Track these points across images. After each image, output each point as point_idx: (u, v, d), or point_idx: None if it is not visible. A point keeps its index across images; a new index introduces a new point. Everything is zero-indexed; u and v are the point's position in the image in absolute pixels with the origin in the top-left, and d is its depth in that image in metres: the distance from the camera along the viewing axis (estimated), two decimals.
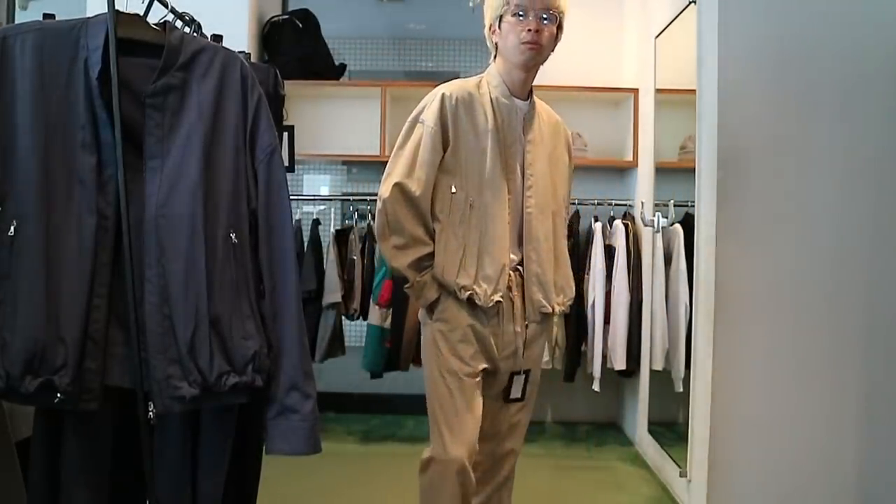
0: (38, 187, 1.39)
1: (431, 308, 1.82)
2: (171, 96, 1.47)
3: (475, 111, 1.81)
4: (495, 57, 1.88)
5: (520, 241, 1.84)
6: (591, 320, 3.43)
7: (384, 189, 1.79)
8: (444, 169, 1.80)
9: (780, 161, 2.36)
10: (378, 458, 3.28)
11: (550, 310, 1.87)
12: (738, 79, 2.36)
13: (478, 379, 1.81)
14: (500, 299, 1.78)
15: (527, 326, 1.85)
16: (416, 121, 1.82)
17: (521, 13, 1.76)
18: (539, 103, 1.94)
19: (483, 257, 1.77)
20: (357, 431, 3.67)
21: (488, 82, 1.86)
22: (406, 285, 1.82)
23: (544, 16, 1.79)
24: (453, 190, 1.79)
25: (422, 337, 1.90)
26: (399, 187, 1.77)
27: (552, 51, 1.87)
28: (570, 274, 1.97)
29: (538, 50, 1.79)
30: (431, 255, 1.79)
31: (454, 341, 1.80)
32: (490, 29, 1.86)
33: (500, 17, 1.81)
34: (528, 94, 1.89)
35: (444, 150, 1.79)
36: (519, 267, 1.84)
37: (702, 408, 2.44)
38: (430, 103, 1.81)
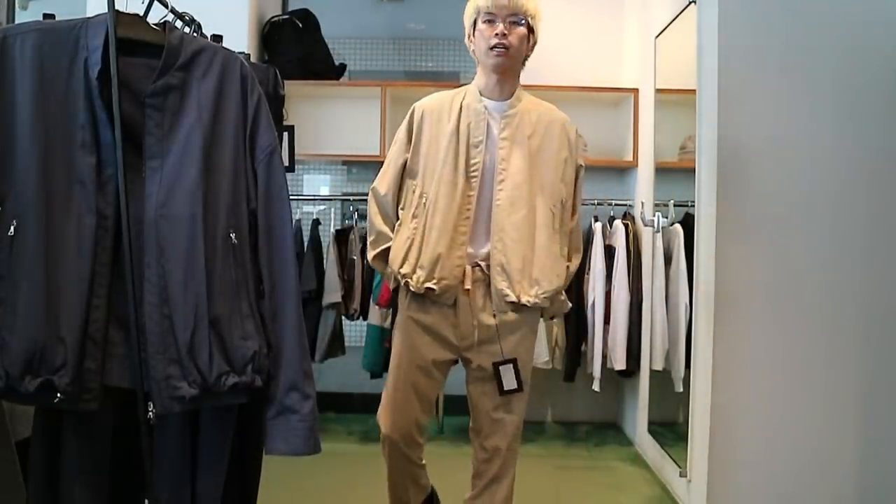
0: (37, 187, 1.39)
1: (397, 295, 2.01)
2: (171, 96, 1.47)
3: (441, 119, 1.96)
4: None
5: (488, 234, 1.90)
6: (591, 320, 3.43)
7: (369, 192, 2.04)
8: (409, 171, 1.99)
9: (780, 161, 2.36)
10: (378, 459, 3.26)
11: (516, 300, 1.89)
12: (738, 79, 2.36)
13: (424, 370, 1.95)
14: (433, 287, 1.87)
15: (494, 316, 1.91)
16: (396, 135, 2.04)
17: (490, 19, 1.88)
18: (533, 103, 2.02)
19: (424, 248, 1.89)
20: (357, 431, 3.67)
21: (468, 90, 2.00)
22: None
23: (512, 20, 1.88)
24: (414, 188, 1.95)
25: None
26: (372, 190, 2.03)
27: (526, 54, 1.97)
28: (554, 266, 1.95)
29: (507, 53, 1.88)
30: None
31: (405, 332, 1.96)
32: (467, 37, 1.98)
33: (474, 25, 1.93)
34: (509, 95, 1.97)
35: (408, 155, 1.98)
36: (484, 260, 1.91)
37: (702, 408, 2.44)
38: (408, 114, 2.02)
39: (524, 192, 1.90)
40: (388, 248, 1.98)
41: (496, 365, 1.92)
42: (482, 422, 2.00)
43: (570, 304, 2.22)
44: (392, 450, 2.03)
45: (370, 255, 2.03)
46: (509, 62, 1.91)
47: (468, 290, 1.90)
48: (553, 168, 1.96)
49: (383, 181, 2.01)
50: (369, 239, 2.04)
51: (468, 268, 1.91)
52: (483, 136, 1.92)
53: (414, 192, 1.95)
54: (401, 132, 2.01)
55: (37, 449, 1.48)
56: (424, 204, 1.91)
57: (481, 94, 1.97)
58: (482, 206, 1.91)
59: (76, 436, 1.46)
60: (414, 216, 1.92)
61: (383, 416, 2.03)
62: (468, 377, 2.02)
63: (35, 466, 1.48)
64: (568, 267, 2.04)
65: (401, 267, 1.91)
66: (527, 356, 1.99)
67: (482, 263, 1.92)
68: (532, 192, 1.91)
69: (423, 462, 2.15)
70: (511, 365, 1.93)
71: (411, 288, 1.90)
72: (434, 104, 1.99)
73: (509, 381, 1.93)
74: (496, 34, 1.86)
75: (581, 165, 2.06)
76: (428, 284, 1.88)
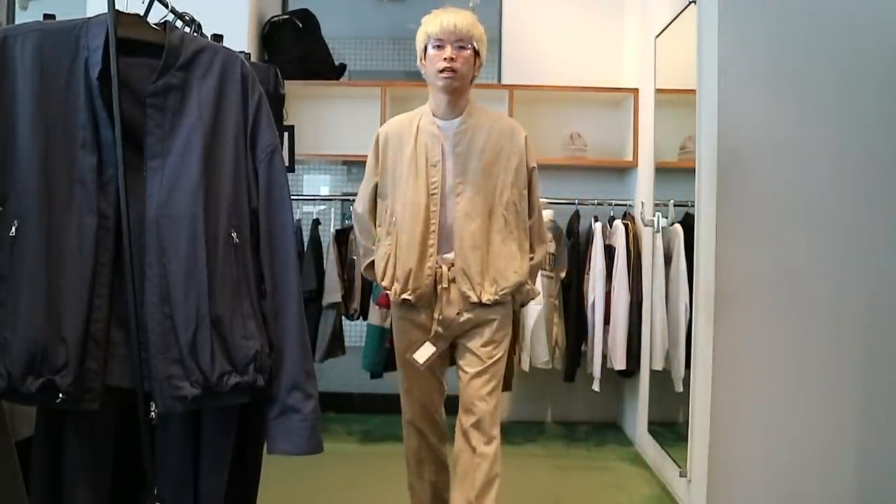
0: (38, 187, 1.39)
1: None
2: (172, 96, 1.47)
3: (403, 142, 2.13)
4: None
5: (452, 245, 2.11)
6: (591, 320, 3.43)
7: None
8: (380, 193, 2.18)
9: (780, 161, 2.37)
10: (378, 458, 3.28)
11: (476, 299, 2.08)
12: (738, 79, 2.36)
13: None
14: (409, 297, 2.09)
15: (459, 314, 2.11)
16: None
17: (439, 44, 2.05)
18: (484, 115, 2.17)
19: (398, 263, 2.10)
20: (357, 431, 3.67)
21: (423, 111, 2.17)
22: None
23: (459, 45, 2.05)
24: (386, 208, 2.15)
25: None
26: (353, 211, 2.26)
27: (474, 74, 2.13)
28: (510, 265, 2.12)
29: (455, 76, 2.04)
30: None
31: (405, 329, 2.17)
32: (419, 60, 2.14)
33: (425, 50, 2.09)
34: (460, 113, 2.13)
35: (377, 179, 2.17)
36: (452, 265, 2.11)
37: (702, 408, 2.44)
38: (374, 136, 2.19)
39: (478, 204, 2.09)
40: (373, 261, 2.19)
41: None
42: (466, 401, 2.16)
43: (538, 292, 2.40)
44: (414, 431, 2.24)
45: (361, 268, 2.27)
46: (457, 83, 2.06)
47: (446, 288, 2.10)
48: (504, 176, 2.12)
49: (360, 202, 2.21)
50: (359, 254, 2.27)
51: (444, 268, 2.10)
52: (439, 157, 2.10)
53: (386, 211, 2.14)
54: (370, 157, 2.19)
55: (38, 449, 1.48)
56: (395, 223, 2.11)
57: (434, 115, 2.13)
58: (446, 219, 2.10)
59: (78, 436, 1.46)
60: (388, 233, 2.13)
61: (403, 404, 2.25)
62: (457, 354, 2.21)
63: (37, 466, 1.48)
64: (532, 258, 2.19)
65: (382, 280, 2.14)
66: (505, 340, 2.18)
67: (451, 267, 2.11)
68: (486, 202, 2.10)
69: (445, 451, 2.31)
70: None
71: (392, 298, 2.13)
72: (395, 128, 2.16)
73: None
74: (444, 58, 2.03)
75: (533, 168, 2.20)
76: (404, 296, 2.10)
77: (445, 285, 2.09)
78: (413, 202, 2.08)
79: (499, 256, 2.10)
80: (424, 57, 2.09)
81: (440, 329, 2.11)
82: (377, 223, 2.19)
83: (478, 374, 2.10)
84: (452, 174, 2.09)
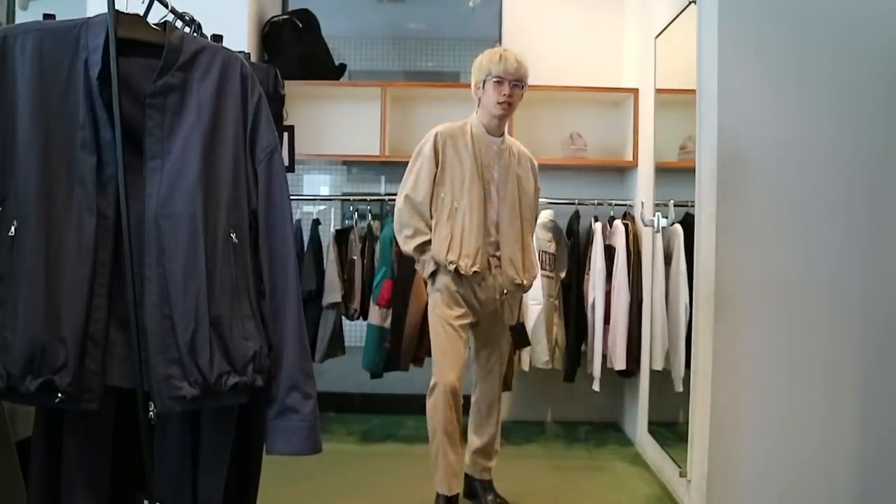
0: (38, 187, 1.39)
1: (432, 278, 2.54)
2: (172, 96, 1.47)
3: (458, 143, 2.54)
4: (479, 106, 2.58)
5: (498, 236, 2.56)
6: (591, 320, 3.43)
7: (399, 199, 2.56)
8: (437, 182, 2.53)
9: (780, 161, 2.37)
10: (378, 458, 3.28)
11: (521, 281, 2.58)
12: (738, 79, 2.36)
13: (462, 327, 2.53)
14: (479, 270, 2.49)
15: (504, 293, 2.57)
16: (419, 153, 2.56)
17: (499, 80, 2.50)
18: (511, 140, 2.67)
19: (463, 242, 2.48)
20: (357, 431, 3.67)
21: (472, 125, 2.58)
22: (415, 263, 2.60)
23: (515, 84, 2.51)
24: (443, 196, 2.51)
25: (430, 300, 2.59)
26: (407, 197, 2.53)
27: (518, 104, 2.60)
28: (535, 260, 2.74)
29: (509, 108, 2.54)
30: (430, 242, 2.52)
31: (447, 300, 2.52)
32: (476, 87, 2.57)
33: (484, 81, 2.53)
34: (502, 133, 2.61)
35: (436, 170, 2.52)
36: (497, 253, 2.54)
37: (702, 408, 2.44)
38: (427, 140, 2.54)
39: (515, 208, 2.58)
40: (426, 242, 2.52)
41: (513, 328, 2.72)
42: (481, 372, 2.68)
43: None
44: (443, 398, 2.47)
45: (410, 245, 2.53)
46: (509, 113, 2.56)
47: (493, 273, 2.54)
48: (527, 192, 2.64)
49: (419, 190, 2.52)
50: (405, 233, 2.54)
51: (489, 258, 2.53)
52: (491, 161, 2.57)
53: (443, 199, 2.51)
54: (428, 152, 2.52)
55: (37, 449, 1.48)
56: (456, 209, 2.49)
57: (486, 131, 2.57)
58: (494, 215, 2.55)
59: (77, 436, 1.46)
60: (448, 218, 2.50)
61: (441, 373, 2.50)
62: (476, 335, 2.65)
63: (35, 466, 1.47)
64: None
65: (447, 256, 2.47)
66: (512, 319, 2.71)
67: (497, 255, 2.55)
68: (517, 208, 2.59)
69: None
70: (521, 326, 2.86)
71: (462, 272, 2.46)
72: (449, 131, 2.55)
73: (522, 338, 2.85)
74: (503, 94, 2.49)
75: (539, 188, 2.74)
76: (475, 269, 2.48)
77: (493, 271, 2.54)
78: (476, 194, 2.50)
79: (528, 253, 2.62)
80: (483, 86, 2.53)
81: (477, 306, 2.55)
82: (432, 209, 2.53)
83: (505, 330, 2.66)
84: (497, 181, 2.56)
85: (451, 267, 2.46)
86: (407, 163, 2.62)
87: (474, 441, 2.69)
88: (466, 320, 2.53)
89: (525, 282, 2.59)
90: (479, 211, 2.49)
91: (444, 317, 2.51)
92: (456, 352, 2.50)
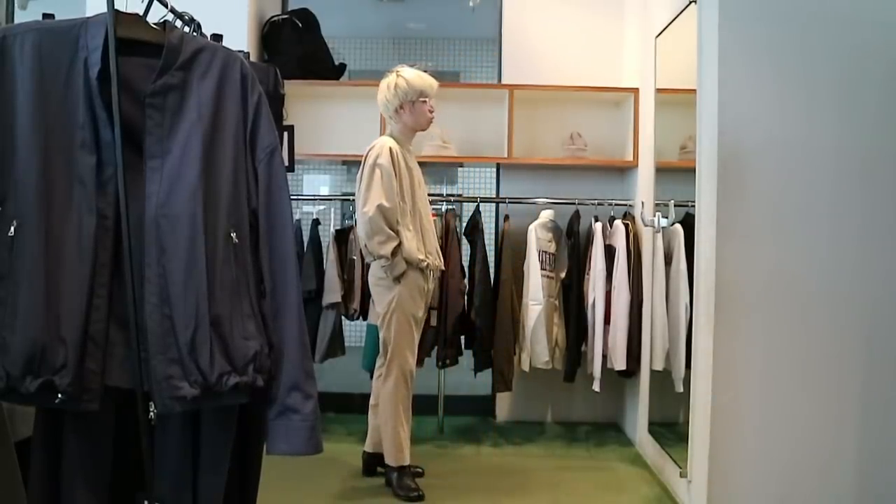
0: (37, 187, 1.39)
1: (399, 277, 2.72)
2: (171, 96, 1.46)
3: (399, 157, 2.78)
4: (394, 122, 2.90)
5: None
6: (591, 320, 3.43)
7: (369, 207, 2.67)
8: (399, 195, 2.74)
9: (780, 161, 2.36)
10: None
11: (443, 268, 3.04)
12: (738, 79, 2.36)
13: (419, 315, 2.82)
14: (442, 268, 2.95)
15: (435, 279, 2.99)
16: (376, 164, 2.72)
17: (426, 98, 2.87)
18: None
19: (426, 242, 2.81)
20: (357, 431, 3.66)
21: (393, 139, 2.83)
22: (383, 264, 2.71)
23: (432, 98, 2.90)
24: (403, 203, 2.75)
25: (388, 297, 2.75)
26: (380, 206, 2.67)
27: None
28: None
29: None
30: (399, 244, 2.69)
31: (414, 296, 2.76)
32: (399, 107, 2.86)
33: (413, 101, 2.85)
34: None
35: (396, 180, 2.73)
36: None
37: (702, 408, 2.44)
38: (382, 152, 2.74)
39: (428, 206, 2.94)
40: (397, 245, 2.68)
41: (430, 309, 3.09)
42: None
43: None
44: (409, 380, 2.79)
45: (386, 249, 2.67)
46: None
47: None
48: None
49: (390, 199, 2.68)
50: (378, 239, 2.67)
51: None
52: (418, 172, 2.92)
53: (403, 204, 2.74)
54: (386, 163, 2.71)
55: (37, 449, 1.48)
56: (412, 213, 2.78)
57: (409, 145, 2.91)
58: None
59: (77, 436, 1.46)
60: (411, 222, 2.76)
61: (406, 358, 2.77)
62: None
63: (35, 466, 1.47)
64: None
65: (418, 255, 2.73)
66: None
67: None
68: (428, 206, 2.97)
69: None
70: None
71: (430, 268, 2.78)
72: (397, 146, 2.80)
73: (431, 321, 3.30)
74: (430, 109, 2.89)
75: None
76: (441, 266, 2.90)
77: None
78: (421, 201, 2.85)
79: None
80: (413, 106, 2.84)
81: (428, 297, 2.89)
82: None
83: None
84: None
85: (423, 265, 2.74)
86: None
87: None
88: (423, 309, 2.85)
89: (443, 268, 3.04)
90: (427, 218, 2.85)
91: (410, 311, 2.77)
92: (415, 341, 2.82)
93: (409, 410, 2.83)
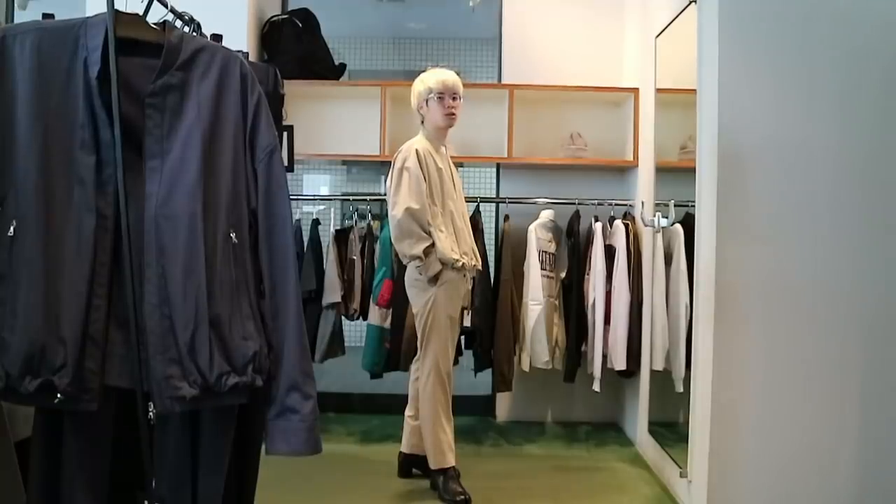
0: (37, 187, 1.39)
1: (436, 277, 2.72)
2: (171, 96, 1.46)
3: (428, 158, 2.78)
4: (422, 124, 2.90)
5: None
6: (591, 320, 3.43)
7: (398, 211, 2.70)
8: (427, 195, 2.74)
9: (780, 161, 2.36)
10: (378, 459, 3.28)
11: (480, 267, 3.02)
12: (738, 79, 2.36)
13: (457, 315, 2.84)
14: (478, 266, 2.93)
15: (473, 279, 3.03)
16: (403, 168, 2.74)
17: (441, 96, 2.83)
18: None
19: (460, 242, 2.80)
20: (357, 431, 3.67)
21: (425, 138, 2.85)
22: (417, 265, 2.72)
23: (454, 96, 2.85)
24: (434, 205, 2.75)
25: (425, 298, 2.75)
26: (409, 208, 2.69)
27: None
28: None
29: (455, 118, 2.86)
30: (432, 245, 2.70)
31: (451, 295, 2.76)
32: (419, 106, 2.88)
33: (427, 100, 2.85)
34: (444, 144, 2.95)
35: (425, 183, 2.73)
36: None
37: (702, 408, 2.44)
38: (409, 156, 2.75)
39: (464, 205, 2.94)
40: (430, 246, 2.69)
41: (463, 308, 2.99)
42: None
43: None
44: (446, 381, 2.77)
45: (417, 249, 2.68)
46: (454, 123, 2.88)
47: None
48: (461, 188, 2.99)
49: (415, 200, 2.69)
50: (409, 241, 2.70)
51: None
52: (452, 171, 2.91)
53: (433, 206, 2.75)
54: (413, 166, 2.72)
55: (37, 449, 1.48)
56: (443, 214, 2.77)
57: (439, 144, 2.89)
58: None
59: (76, 436, 1.45)
60: (443, 222, 2.76)
61: (443, 362, 2.77)
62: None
63: (35, 467, 1.47)
64: None
65: (452, 254, 2.72)
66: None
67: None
68: (464, 205, 2.97)
69: None
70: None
71: (466, 267, 2.77)
72: (425, 148, 2.79)
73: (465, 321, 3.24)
74: (448, 106, 2.83)
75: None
76: (477, 265, 2.90)
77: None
78: (460, 204, 2.87)
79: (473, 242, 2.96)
80: (427, 104, 2.84)
81: (465, 296, 2.92)
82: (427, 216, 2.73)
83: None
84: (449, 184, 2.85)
85: (459, 264, 2.72)
86: None
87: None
88: (459, 312, 2.86)
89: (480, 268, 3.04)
90: (459, 217, 2.82)
91: (447, 311, 2.76)
92: (452, 341, 2.82)
93: (448, 411, 2.80)
